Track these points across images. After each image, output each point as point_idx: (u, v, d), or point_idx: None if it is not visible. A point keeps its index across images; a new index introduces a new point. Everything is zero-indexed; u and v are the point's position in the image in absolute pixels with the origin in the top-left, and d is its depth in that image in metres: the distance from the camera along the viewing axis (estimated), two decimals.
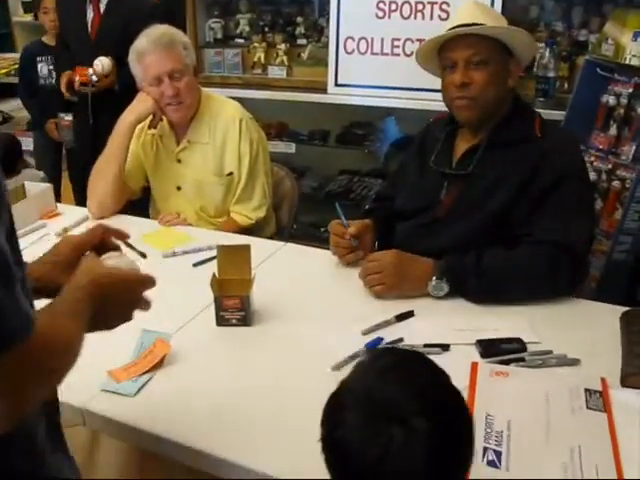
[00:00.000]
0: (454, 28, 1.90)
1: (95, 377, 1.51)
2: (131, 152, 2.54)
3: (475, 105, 1.92)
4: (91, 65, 3.36)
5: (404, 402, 0.89)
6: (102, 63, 3.32)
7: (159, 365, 1.56)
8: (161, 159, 2.60)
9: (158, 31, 2.42)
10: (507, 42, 1.90)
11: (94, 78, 3.36)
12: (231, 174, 2.53)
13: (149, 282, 1.25)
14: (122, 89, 3.34)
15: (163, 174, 2.60)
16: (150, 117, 2.51)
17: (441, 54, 1.96)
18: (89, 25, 3.50)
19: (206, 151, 2.52)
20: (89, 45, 3.49)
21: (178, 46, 2.41)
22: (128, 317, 1.23)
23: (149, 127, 2.56)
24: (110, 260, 1.28)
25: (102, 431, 1.54)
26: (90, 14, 3.49)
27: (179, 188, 2.58)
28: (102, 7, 3.50)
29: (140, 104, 2.47)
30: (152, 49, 2.38)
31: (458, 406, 0.95)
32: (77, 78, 3.41)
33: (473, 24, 1.87)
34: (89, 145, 3.35)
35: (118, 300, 1.17)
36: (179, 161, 2.56)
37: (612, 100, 2.91)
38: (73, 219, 2.44)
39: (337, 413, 0.93)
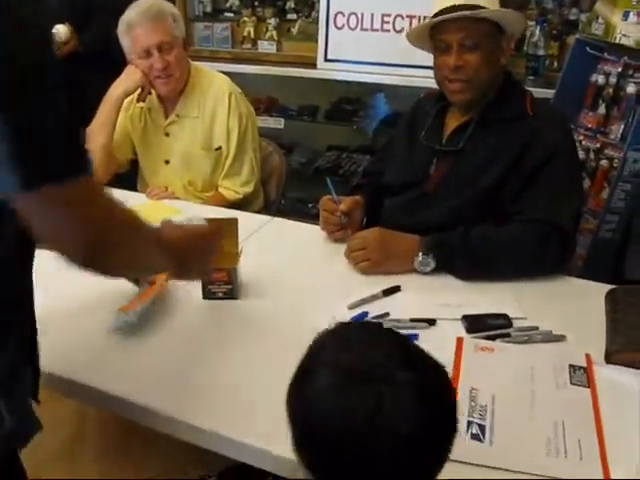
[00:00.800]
0: (446, 9, 1.87)
1: (79, 350, 1.51)
2: (119, 124, 2.52)
3: (469, 87, 1.91)
4: None
5: (384, 362, 0.87)
6: (59, 31, 3.32)
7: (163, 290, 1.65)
8: (149, 132, 2.58)
9: (147, 3, 2.39)
10: (499, 22, 1.89)
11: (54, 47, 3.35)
12: (219, 148, 2.52)
13: (216, 234, 1.51)
14: (86, 52, 3.33)
15: (151, 147, 2.59)
16: (139, 90, 2.49)
17: (433, 35, 1.94)
18: None
19: (195, 125, 2.51)
20: None
21: (167, 18, 2.39)
22: (208, 265, 1.53)
23: (137, 100, 2.54)
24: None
25: (87, 402, 1.53)
26: None
27: (167, 162, 2.57)
28: None
29: (128, 77, 2.45)
30: (140, 21, 2.36)
31: (436, 363, 0.93)
32: None
33: (464, 6, 1.84)
34: None
35: (195, 254, 1.40)
36: (167, 135, 2.55)
37: (601, 79, 2.91)
38: None
39: (309, 387, 0.91)
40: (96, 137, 2.45)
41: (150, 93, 2.51)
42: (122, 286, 1.67)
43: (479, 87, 1.91)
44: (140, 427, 1.44)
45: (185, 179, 2.57)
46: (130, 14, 2.37)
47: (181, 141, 2.54)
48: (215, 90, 2.51)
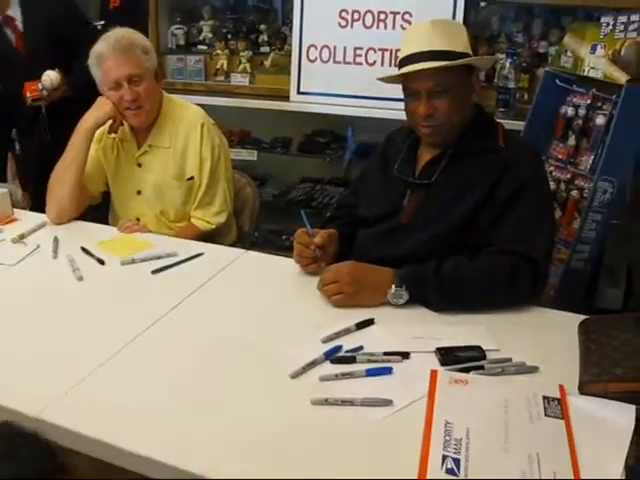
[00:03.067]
0: (413, 55, 1.87)
1: (48, 386, 1.48)
2: (91, 157, 2.51)
3: (441, 130, 1.93)
4: (37, 79, 3.25)
5: None
6: (50, 77, 3.22)
7: None
8: (122, 163, 2.57)
9: (117, 35, 2.39)
10: (472, 65, 1.92)
11: (44, 93, 3.25)
12: (192, 178, 2.52)
13: None
14: (76, 95, 3.25)
15: (123, 178, 2.58)
16: (110, 121, 2.48)
17: (403, 82, 1.95)
18: (14, 45, 3.37)
19: (167, 155, 2.50)
20: (22, 64, 3.35)
21: (136, 50, 2.38)
22: None
23: (109, 132, 2.53)
24: None
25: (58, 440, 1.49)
26: (10, 35, 3.36)
27: (139, 192, 2.56)
28: (19, 24, 3.35)
29: (99, 108, 2.44)
30: (110, 53, 2.36)
31: None
32: (28, 94, 3.27)
33: (430, 52, 1.85)
34: (41, 157, 3.22)
35: None
36: (139, 165, 2.54)
37: (571, 111, 2.95)
38: (30, 225, 2.39)
39: None
40: (67, 172, 2.43)
41: (122, 124, 2.50)
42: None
43: (451, 129, 1.94)
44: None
45: (157, 209, 2.55)
46: (101, 46, 2.38)
47: (153, 171, 2.52)
48: (187, 120, 2.51)
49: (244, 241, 2.73)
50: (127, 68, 2.36)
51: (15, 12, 3.35)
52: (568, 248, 2.81)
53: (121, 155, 2.57)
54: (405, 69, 1.88)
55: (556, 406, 1.40)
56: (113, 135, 2.54)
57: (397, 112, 2.53)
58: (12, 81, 3.32)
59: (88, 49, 2.43)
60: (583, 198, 2.82)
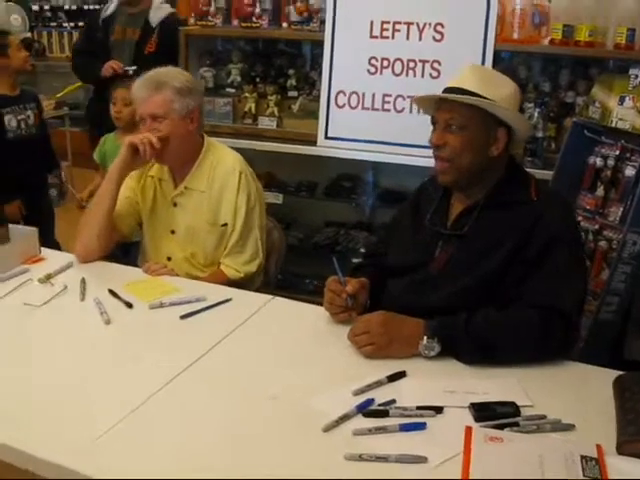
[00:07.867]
0: (450, 88, 1.94)
1: (75, 434, 1.47)
2: (126, 197, 2.53)
3: (449, 168, 1.94)
4: None
5: None
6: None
7: None
8: (158, 202, 2.58)
9: (153, 72, 2.44)
10: (493, 112, 1.91)
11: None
12: (225, 225, 2.51)
13: None
14: None
15: (159, 216, 2.58)
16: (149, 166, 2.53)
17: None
18: None
19: (202, 199, 2.51)
20: None
21: (165, 90, 2.39)
22: None
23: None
24: None
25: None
26: None
27: (173, 232, 2.56)
28: None
29: (122, 149, 2.45)
30: (138, 88, 2.43)
31: None
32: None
33: (459, 89, 1.91)
34: None
35: None
36: (175, 205, 2.54)
37: (599, 162, 2.95)
38: (57, 264, 2.39)
39: None
40: (96, 212, 2.44)
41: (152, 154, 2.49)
42: None
43: (459, 170, 1.93)
44: None
45: (188, 251, 2.55)
46: (137, 80, 2.45)
47: (187, 213, 2.53)
48: (225, 167, 2.52)
49: (269, 284, 2.72)
50: (149, 107, 2.40)
51: None
52: (597, 299, 2.78)
53: (158, 194, 2.58)
54: (421, 95, 2.00)
55: (594, 466, 1.37)
56: (153, 172, 2.57)
57: (424, 159, 2.55)
58: None
59: None
60: (612, 249, 2.80)
